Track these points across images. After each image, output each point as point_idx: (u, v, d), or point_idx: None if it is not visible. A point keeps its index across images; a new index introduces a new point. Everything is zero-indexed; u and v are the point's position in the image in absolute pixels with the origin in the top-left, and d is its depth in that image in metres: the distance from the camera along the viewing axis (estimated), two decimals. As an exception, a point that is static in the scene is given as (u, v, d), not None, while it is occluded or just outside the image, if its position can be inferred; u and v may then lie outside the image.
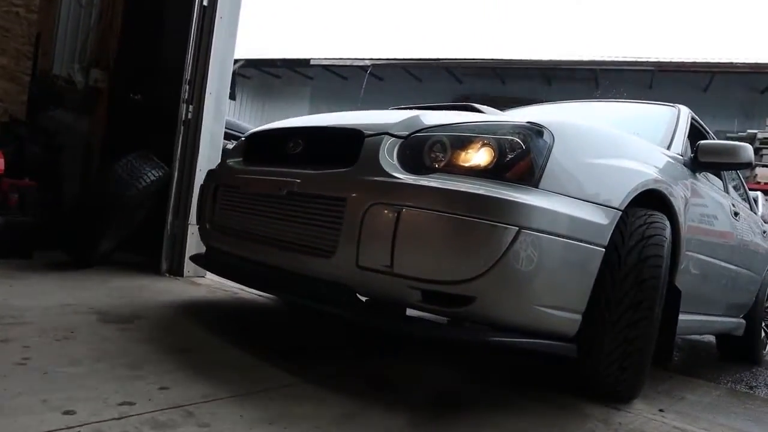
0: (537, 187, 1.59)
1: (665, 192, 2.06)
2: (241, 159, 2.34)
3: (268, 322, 2.59)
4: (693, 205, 2.41)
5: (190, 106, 3.33)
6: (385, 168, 1.67)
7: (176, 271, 3.32)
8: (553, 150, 1.66)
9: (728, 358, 3.85)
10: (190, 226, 3.32)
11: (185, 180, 3.34)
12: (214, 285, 3.20)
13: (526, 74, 14.68)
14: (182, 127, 3.32)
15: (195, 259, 2.50)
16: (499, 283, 1.52)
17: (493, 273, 1.49)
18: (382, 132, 1.76)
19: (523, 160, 1.61)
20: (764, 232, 3.86)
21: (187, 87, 3.32)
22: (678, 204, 2.16)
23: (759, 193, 5.34)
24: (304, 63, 17.07)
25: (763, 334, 3.90)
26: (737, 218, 3.12)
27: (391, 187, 1.62)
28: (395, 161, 1.70)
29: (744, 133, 12.53)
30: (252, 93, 20.32)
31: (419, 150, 1.70)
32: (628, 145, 2.11)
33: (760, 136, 12.18)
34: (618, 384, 1.85)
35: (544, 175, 1.61)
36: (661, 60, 12.78)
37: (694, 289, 2.57)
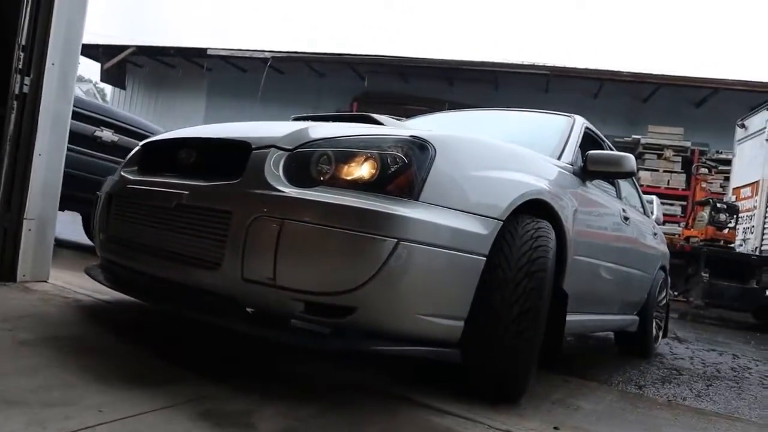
0: (417, 200, 1.64)
1: (550, 201, 2.13)
2: (136, 168, 2.30)
3: (99, 348, 1.92)
4: (582, 212, 2.51)
5: (26, 78, 2.78)
6: (269, 181, 1.69)
7: (8, 274, 2.76)
8: (435, 163, 1.70)
9: (625, 353, 4.03)
10: (25, 221, 2.77)
11: (20, 166, 2.78)
12: (52, 291, 2.67)
13: (429, 74, 14.72)
14: (14, 103, 2.76)
15: (89, 271, 2.34)
16: (378, 293, 1.55)
17: (372, 284, 1.53)
18: (269, 145, 1.77)
19: (404, 173, 1.65)
20: (655, 234, 4.12)
21: (21, 54, 2.76)
22: (565, 212, 2.25)
23: (654, 197, 5.60)
24: (200, 53, 16.13)
25: (654, 329, 4.13)
26: (627, 222, 3.25)
27: (274, 200, 1.64)
28: (281, 174, 1.71)
29: (629, 138, 13.29)
30: (144, 83, 19.00)
31: (305, 163, 1.72)
32: (513, 156, 2.19)
33: (642, 141, 12.96)
34: (505, 385, 1.88)
35: (424, 188, 1.66)
36: (556, 65, 13.23)
37: (587, 290, 2.71)
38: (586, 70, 13.26)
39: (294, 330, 1.66)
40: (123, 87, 18.76)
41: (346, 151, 1.71)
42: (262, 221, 1.61)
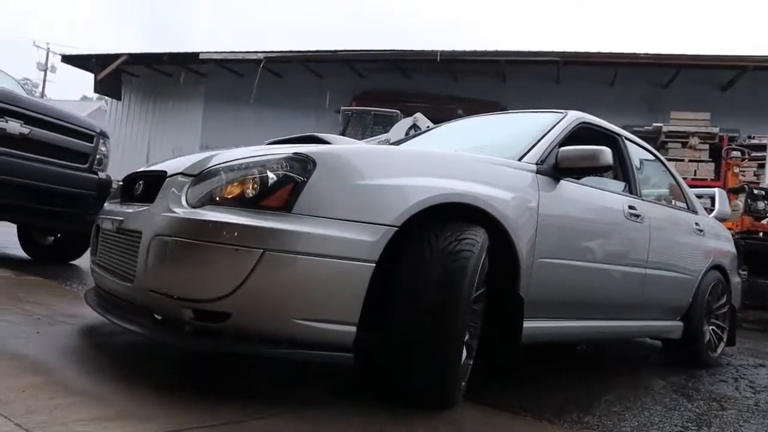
0: (290, 212, 1.74)
1: (482, 206, 2.10)
2: (118, 200, 2.44)
3: None
4: (552, 212, 2.45)
5: None
6: (169, 204, 1.87)
7: None
8: (313, 177, 1.78)
9: (673, 362, 3.64)
10: None
11: None
12: None
13: (431, 68, 13.86)
14: None
15: (85, 296, 2.45)
16: (249, 300, 1.69)
17: (241, 291, 1.67)
18: (178, 173, 1.97)
19: (279, 189, 1.77)
20: (701, 230, 3.69)
21: None
22: (512, 215, 2.21)
23: (717, 190, 4.90)
24: (193, 57, 15.52)
25: (709, 335, 3.70)
26: (639, 219, 3.03)
27: (168, 220, 1.82)
28: (183, 197, 1.86)
29: (650, 127, 12.25)
30: (141, 93, 18.46)
31: (202, 186, 1.87)
32: (425, 162, 2.16)
33: (665, 129, 11.92)
34: (432, 389, 1.87)
35: (299, 201, 1.75)
36: (566, 51, 12.23)
37: (571, 295, 2.63)
38: (599, 53, 12.27)
39: (185, 334, 1.77)
40: (119, 98, 18.24)
41: (233, 174, 1.84)
42: (159, 239, 1.80)
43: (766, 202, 7.15)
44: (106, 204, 2.58)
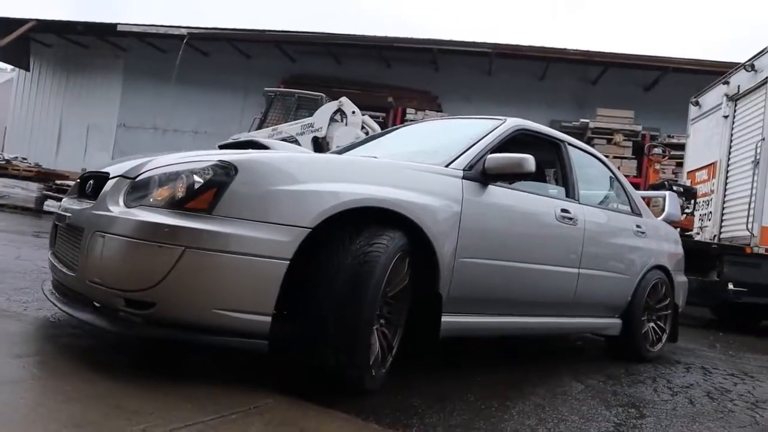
0: (210, 214, 1.89)
1: (399, 209, 2.21)
2: (75, 196, 2.55)
3: None
4: (476, 214, 2.57)
5: None
6: (107, 203, 2.04)
7: None
8: (234, 182, 1.93)
9: (616, 357, 3.76)
10: None
11: None
12: None
13: (364, 55, 13.52)
14: None
15: (43, 289, 2.50)
16: (171, 291, 1.85)
17: (164, 284, 1.83)
18: (118, 175, 2.12)
19: (203, 192, 1.92)
20: (642, 232, 3.78)
21: None
22: (430, 218, 2.33)
23: (668, 192, 5.08)
24: (110, 29, 14.46)
25: (650, 332, 3.84)
26: (572, 222, 3.12)
27: (103, 218, 2.00)
28: (121, 198, 2.03)
29: (578, 123, 12.43)
30: (53, 64, 17.11)
31: (138, 188, 2.03)
32: (345, 169, 2.31)
33: (591, 125, 12.14)
34: (342, 370, 2.01)
35: (219, 204, 1.90)
36: (499, 43, 12.19)
37: (495, 292, 2.75)
38: (531, 47, 12.32)
39: (117, 320, 1.94)
40: (27, 68, 16.82)
41: (164, 177, 2.00)
42: (96, 235, 1.99)
43: (683, 198, 7.27)
44: (64, 199, 2.72)
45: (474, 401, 2.26)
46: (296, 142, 9.27)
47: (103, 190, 2.12)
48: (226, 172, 1.93)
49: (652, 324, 3.87)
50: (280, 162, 2.12)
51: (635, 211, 3.92)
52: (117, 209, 1.98)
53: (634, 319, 3.64)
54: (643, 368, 3.48)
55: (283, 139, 9.44)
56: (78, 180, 2.66)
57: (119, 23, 14.10)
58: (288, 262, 1.92)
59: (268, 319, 1.92)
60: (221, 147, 2.57)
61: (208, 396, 1.84)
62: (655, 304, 3.89)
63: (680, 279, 4.25)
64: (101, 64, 16.42)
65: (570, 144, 3.52)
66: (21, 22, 14.92)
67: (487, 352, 3.60)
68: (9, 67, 25.15)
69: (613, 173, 3.99)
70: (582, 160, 3.63)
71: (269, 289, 1.90)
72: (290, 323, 2.03)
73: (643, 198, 4.60)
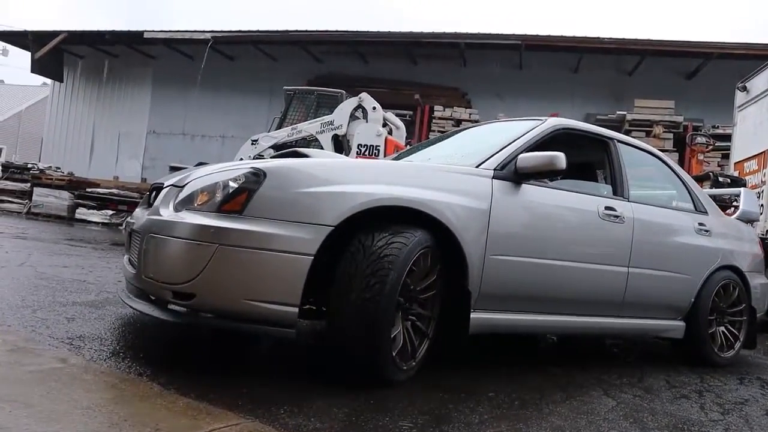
0: (242, 215, 2.11)
1: (422, 208, 2.34)
2: (146, 206, 2.73)
3: None
4: (509, 213, 2.66)
5: None
6: (159, 209, 2.34)
7: None
8: (263, 187, 2.14)
9: (680, 361, 3.62)
10: None
11: None
12: None
13: (390, 53, 13.20)
14: None
15: (120, 295, 2.79)
16: (207, 284, 2.07)
17: (202, 277, 2.06)
18: (170, 184, 2.44)
19: (237, 196, 2.14)
20: (707, 230, 3.64)
21: None
22: (458, 216, 2.43)
23: (743, 189, 4.76)
24: (138, 36, 14.55)
25: (720, 336, 3.64)
26: (618, 220, 3.09)
27: (156, 222, 2.27)
28: (171, 204, 2.30)
29: (614, 115, 11.84)
30: (85, 75, 17.35)
31: (185, 195, 2.29)
32: (369, 172, 2.45)
33: (629, 117, 11.53)
34: (366, 362, 2.18)
35: (249, 206, 2.12)
36: (528, 34, 11.70)
37: (521, 289, 2.74)
38: (563, 37, 11.77)
39: (167, 310, 2.21)
40: (60, 79, 17.10)
41: (205, 184, 2.25)
42: (150, 237, 2.24)
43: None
44: (137, 209, 2.94)
45: (479, 424, 1.89)
46: (316, 140, 9.00)
47: (158, 198, 2.43)
48: (256, 178, 2.15)
49: (722, 328, 3.69)
50: (306, 167, 2.34)
51: (699, 209, 3.79)
52: (166, 213, 2.26)
53: (698, 321, 3.49)
54: (687, 380, 3.05)
55: (303, 138, 9.19)
56: (147, 192, 2.95)
57: (146, 30, 14.15)
58: (312, 257, 2.09)
59: (295, 310, 2.10)
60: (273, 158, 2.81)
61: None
62: (726, 306, 3.69)
63: (759, 281, 3.98)
64: (131, 72, 16.57)
65: (620, 141, 3.49)
66: (54, 34, 15.16)
67: (506, 353, 3.23)
68: (42, 80, 25.60)
69: (674, 170, 3.88)
70: (635, 157, 3.56)
71: (295, 282, 2.08)
72: (317, 316, 2.40)
73: (715, 196, 4.38)
